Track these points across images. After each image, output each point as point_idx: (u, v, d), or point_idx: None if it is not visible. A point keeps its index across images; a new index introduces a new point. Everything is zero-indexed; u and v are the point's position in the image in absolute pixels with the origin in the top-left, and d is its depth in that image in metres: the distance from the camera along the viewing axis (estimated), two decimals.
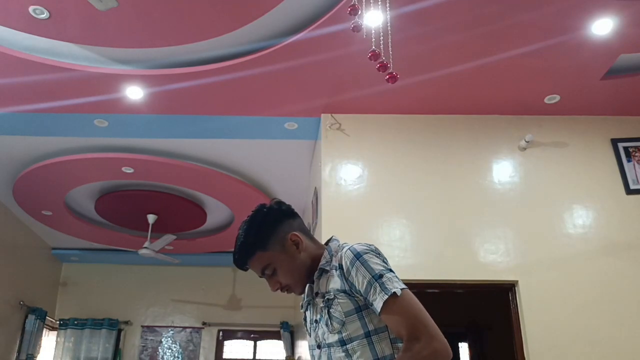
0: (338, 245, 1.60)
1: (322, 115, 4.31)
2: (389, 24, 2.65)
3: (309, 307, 1.65)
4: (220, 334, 7.81)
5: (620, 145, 4.19)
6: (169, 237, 6.25)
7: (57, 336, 7.53)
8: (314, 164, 4.83)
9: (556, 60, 3.71)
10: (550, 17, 3.32)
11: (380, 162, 4.19)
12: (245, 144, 4.85)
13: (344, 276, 1.48)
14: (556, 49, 3.58)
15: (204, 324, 7.77)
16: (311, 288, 1.62)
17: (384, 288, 1.40)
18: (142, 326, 7.75)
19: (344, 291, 1.48)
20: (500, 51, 3.61)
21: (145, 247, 6.12)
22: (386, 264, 1.49)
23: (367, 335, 1.45)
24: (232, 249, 1.60)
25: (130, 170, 5.22)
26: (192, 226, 6.62)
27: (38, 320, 6.80)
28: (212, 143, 4.86)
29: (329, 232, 1.71)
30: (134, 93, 4.08)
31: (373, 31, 2.60)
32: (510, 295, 3.84)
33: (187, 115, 4.44)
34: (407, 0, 3.18)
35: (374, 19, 2.67)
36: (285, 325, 7.52)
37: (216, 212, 6.25)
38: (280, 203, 1.64)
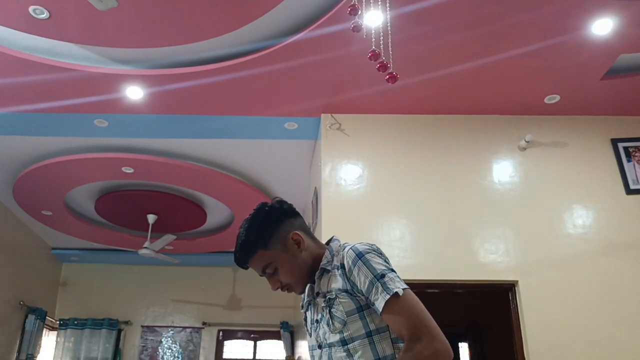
0: (339, 245, 1.60)
1: (322, 115, 4.31)
2: (389, 24, 2.65)
3: (309, 307, 1.65)
4: (220, 334, 7.81)
5: (620, 145, 4.19)
6: (169, 237, 6.25)
7: (57, 336, 7.53)
8: (314, 164, 4.83)
9: (556, 60, 3.71)
10: (550, 17, 3.32)
11: (380, 162, 4.19)
12: (245, 144, 4.85)
13: (346, 276, 1.48)
14: (556, 49, 3.58)
15: (204, 324, 7.77)
16: (312, 288, 1.62)
17: (385, 288, 1.40)
18: (142, 326, 7.75)
19: (346, 291, 1.48)
20: (500, 51, 3.61)
21: (145, 247, 6.12)
22: (388, 263, 1.49)
23: (369, 335, 1.45)
24: (232, 249, 1.60)
25: (130, 170, 5.22)
26: (192, 226, 6.62)
27: (38, 320, 6.80)
28: (212, 143, 4.86)
29: (329, 232, 1.71)
30: (134, 93, 4.08)
31: (373, 31, 2.60)
32: (510, 295, 3.84)
33: (187, 115, 4.44)
34: (407, 0, 3.18)
35: (374, 19, 2.67)
36: (285, 325, 7.52)
37: (216, 212, 6.25)
38: (281, 202, 1.64)
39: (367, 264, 1.45)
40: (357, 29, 2.36)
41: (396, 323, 1.40)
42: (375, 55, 2.44)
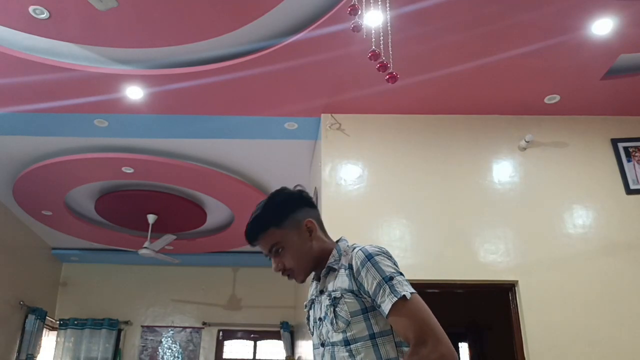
0: (347, 246, 1.60)
1: (322, 115, 4.31)
2: (389, 24, 2.65)
3: (312, 305, 1.65)
4: (220, 334, 7.80)
5: (620, 145, 4.19)
6: (169, 237, 6.25)
7: (57, 336, 7.53)
8: (314, 164, 4.83)
9: (556, 60, 3.71)
10: (550, 17, 3.32)
11: (380, 162, 4.19)
12: (245, 144, 4.85)
13: (353, 276, 1.48)
14: (556, 49, 3.58)
15: (204, 324, 7.77)
16: (317, 286, 1.62)
17: (393, 290, 1.41)
18: (142, 326, 7.75)
19: (352, 291, 1.48)
20: (500, 51, 3.61)
21: (145, 247, 6.12)
22: (397, 267, 1.49)
23: (372, 337, 1.45)
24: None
25: (130, 170, 5.22)
26: (192, 226, 6.62)
27: (38, 320, 6.80)
28: (212, 143, 4.86)
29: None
30: (134, 93, 4.09)
31: (373, 31, 2.61)
32: (510, 295, 3.84)
33: (187, 115, 4.44)
34: (407, 0, 3.18)
35: (374, 19, 2.67)
36: (285, 325, 7.52)
37: (216, 212, 6.25)
38: (302, 191, 1.66)
39: (376, 266, 1.45)
40: (357, 29, 2.36)
41: (402, 326, 1.40)
42: (375, 55, 2.44)
